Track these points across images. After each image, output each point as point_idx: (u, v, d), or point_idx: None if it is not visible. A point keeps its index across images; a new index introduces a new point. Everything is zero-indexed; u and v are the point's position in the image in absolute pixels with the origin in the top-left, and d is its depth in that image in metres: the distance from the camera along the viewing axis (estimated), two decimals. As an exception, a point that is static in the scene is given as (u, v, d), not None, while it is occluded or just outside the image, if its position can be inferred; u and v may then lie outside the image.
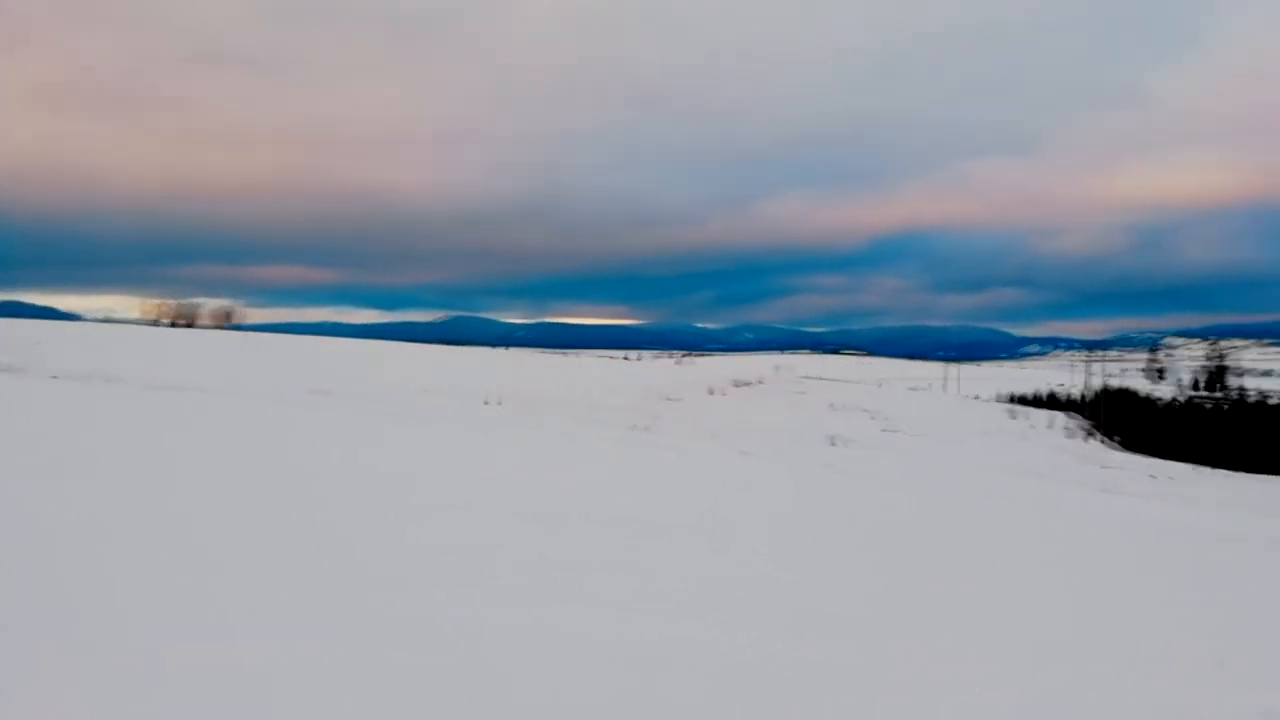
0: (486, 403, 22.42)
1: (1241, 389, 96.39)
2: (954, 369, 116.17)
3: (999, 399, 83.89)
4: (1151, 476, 35.11)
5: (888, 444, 27.06)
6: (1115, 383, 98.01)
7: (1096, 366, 76.59)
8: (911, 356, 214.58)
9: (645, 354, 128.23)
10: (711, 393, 33.88)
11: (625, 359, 78.53)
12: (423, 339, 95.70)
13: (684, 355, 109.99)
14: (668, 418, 24.70)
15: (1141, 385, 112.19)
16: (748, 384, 39.39)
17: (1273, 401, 67.92)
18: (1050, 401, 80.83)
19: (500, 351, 68.46)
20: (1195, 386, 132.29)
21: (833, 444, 23.50)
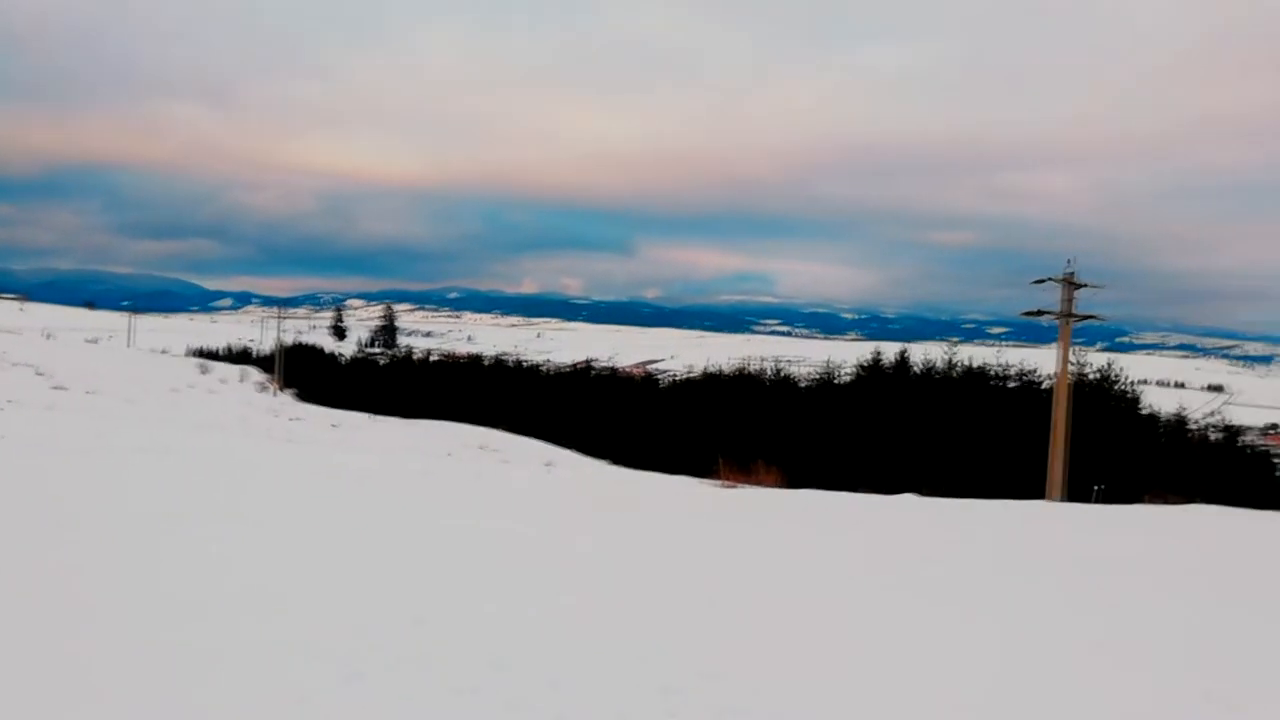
0: None
1: (409, 347, 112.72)
2: (138, 320, 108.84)
3: (190, 353, 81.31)
4: (334, 425, 38.61)
5: (61, 404, 23.71)
6: (305, 339, 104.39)
7: (287, 324, 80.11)
8: (90, 305, 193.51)
9: None
10: None
11: None
12: None
13: None
14: None
15: (326, 342, 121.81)
16: None
17: (431, 358, 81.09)
18: (242, 357, 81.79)
19: None
20: (371, 344, 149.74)
21: (-15, 405, 19.58)
